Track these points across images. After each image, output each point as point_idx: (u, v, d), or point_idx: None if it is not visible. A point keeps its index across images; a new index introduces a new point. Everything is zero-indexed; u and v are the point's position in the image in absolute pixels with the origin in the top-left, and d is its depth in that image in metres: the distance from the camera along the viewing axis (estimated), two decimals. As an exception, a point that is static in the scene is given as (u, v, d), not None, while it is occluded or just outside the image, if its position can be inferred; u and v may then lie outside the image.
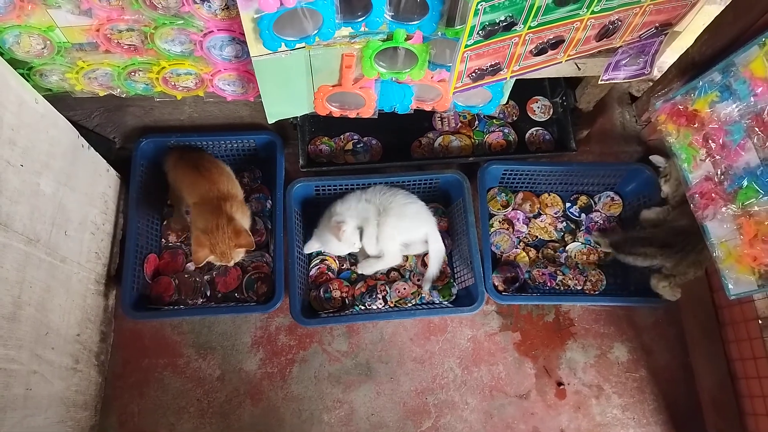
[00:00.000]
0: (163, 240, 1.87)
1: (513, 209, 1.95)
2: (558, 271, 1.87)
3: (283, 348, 1.81)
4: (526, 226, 1.95)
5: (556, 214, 1.96)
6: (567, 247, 1.92)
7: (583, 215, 1.95)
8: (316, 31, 1.15)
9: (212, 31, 1.22)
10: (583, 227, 1.95)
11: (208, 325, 1.82)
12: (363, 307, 1.78)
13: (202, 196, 1.62)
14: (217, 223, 1.51)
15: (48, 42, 1.24)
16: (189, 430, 1.72)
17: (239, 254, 1.57)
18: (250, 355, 1.80)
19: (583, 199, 1.97)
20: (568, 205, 1.97)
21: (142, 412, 1.73)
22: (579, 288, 1.86)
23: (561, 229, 1.95)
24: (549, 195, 1.97)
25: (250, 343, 1.81)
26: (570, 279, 1.86)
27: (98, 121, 1.77)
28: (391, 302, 1.79)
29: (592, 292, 1.86)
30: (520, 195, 1.97)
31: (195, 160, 1.73)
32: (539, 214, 1.97)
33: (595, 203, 1.97)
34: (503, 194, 1.95)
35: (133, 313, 1.66)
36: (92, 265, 1.65)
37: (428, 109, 1.51)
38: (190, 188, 1.66)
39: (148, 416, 1.73)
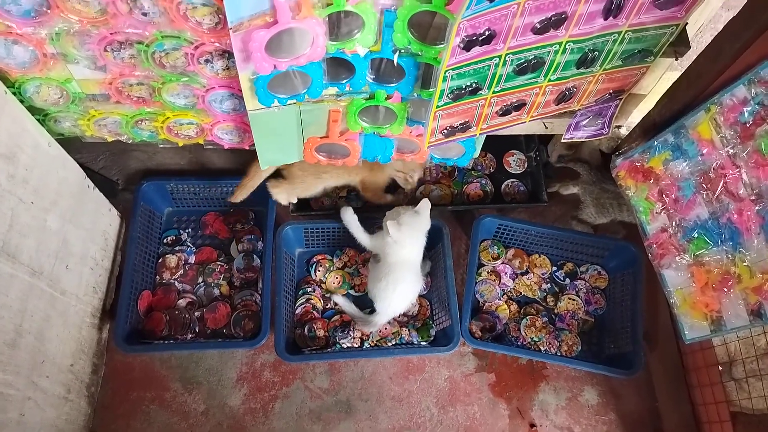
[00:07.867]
0: (157, 277, 1.95)
1: (503, 263, 2.04)
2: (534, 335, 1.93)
3: (266, 384, 1.87)
4: (512, 281, 2.03)
5: (543, 274, 2.05)
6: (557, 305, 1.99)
7: (567, 280, 2.04)
8: (305, 90, 1.27)
9: (214, 88, 1.33)
10: (566, 292, 2.02)
11: (196, 360, 1.88)
12: (335, 341, 1.84)
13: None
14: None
15: (65, 92, 1.34)
16: (172, 463, 1.76)
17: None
18: (234, 391, 1.85)
19: (570, 265, 2.06)
20: (554, 269, 2.06)
21: (127, 444, 1.77)
22: (552, 353, 1.91)
23: (545, 289, 2.03)
24: (539, 256, 2.07)
25: (235, 378, 1.87)
26: (543, 344, 1.91)
27: (103, 164, 1.88)
28: (372, 342, 1.87)
29: (567, 354, 1.91)
30: (512, 251, 2.06)
31: None
32: (527, 272, 2.05)
33: (580, 272, 2.06)
34: (495, 247, 2.05)
35: (125, 347, 1.73)
36: (89, 299, 1.74)
37: (408, 160, 1.64)
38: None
39: (133, 448, 1.77)
